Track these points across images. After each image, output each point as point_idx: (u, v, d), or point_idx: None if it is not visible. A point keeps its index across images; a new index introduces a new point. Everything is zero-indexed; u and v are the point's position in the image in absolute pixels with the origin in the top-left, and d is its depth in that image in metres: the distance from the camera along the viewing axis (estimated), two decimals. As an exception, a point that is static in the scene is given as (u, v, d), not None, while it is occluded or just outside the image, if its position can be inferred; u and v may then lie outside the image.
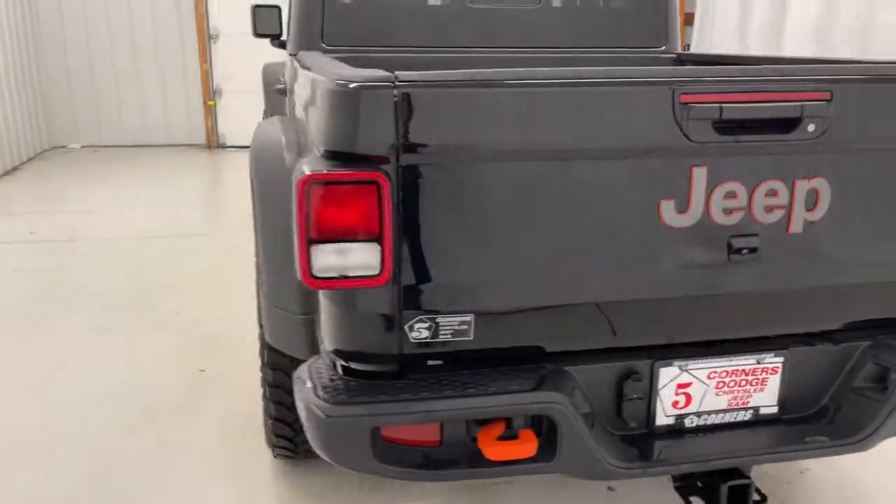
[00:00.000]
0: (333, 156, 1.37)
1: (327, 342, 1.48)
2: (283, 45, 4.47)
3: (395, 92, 1.31)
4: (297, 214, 1.35)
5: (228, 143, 8.71)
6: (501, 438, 1.43)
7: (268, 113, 4.72)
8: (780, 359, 1.59)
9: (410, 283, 1.40)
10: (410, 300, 1.41)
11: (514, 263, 1.43)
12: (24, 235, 5.01)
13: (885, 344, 1.61)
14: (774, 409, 1.62)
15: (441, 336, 1.44)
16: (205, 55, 8.43)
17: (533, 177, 1.39)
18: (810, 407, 1.64)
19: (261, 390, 2.16)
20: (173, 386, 2.92)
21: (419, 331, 1.43)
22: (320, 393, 1.41)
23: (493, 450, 1.41)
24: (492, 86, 1.37)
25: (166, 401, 2.81)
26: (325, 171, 1.34)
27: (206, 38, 8.38)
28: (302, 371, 1.51)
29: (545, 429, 1.44)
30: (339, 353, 1.47)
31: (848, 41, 5.02)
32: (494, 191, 1.39)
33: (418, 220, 1.37)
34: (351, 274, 1.37)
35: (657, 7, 3.10)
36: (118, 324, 3.54)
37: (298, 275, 1.38)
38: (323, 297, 1.46)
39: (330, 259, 1.36)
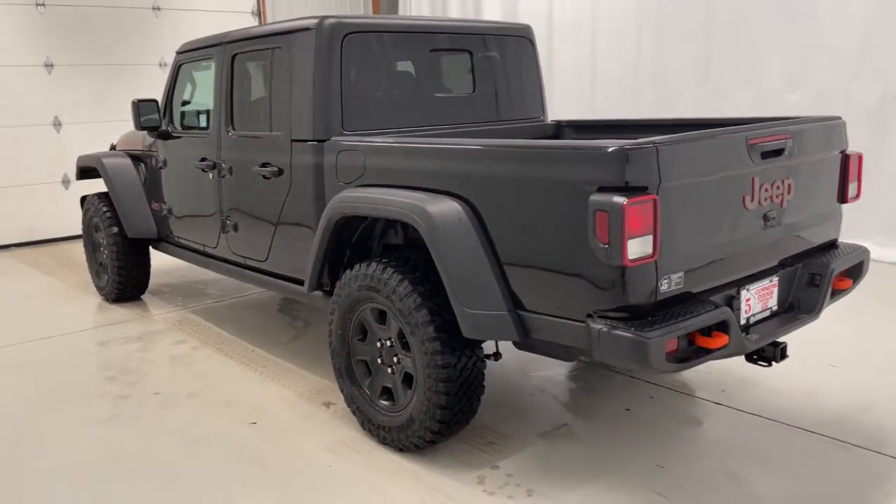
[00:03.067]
0: (623, 190, 2.32)
1: (616, 300, 2.39)
2: (163, 136, 4.77)
3: (656, 148, 2.35)
4: (615, 225, 2.27)
5: (-51, 251, 7.62)
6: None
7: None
8: (777, 278, 2.96)
9: (660, 258, 2.41)
10: (661, 268, 2.43)
11: (699, 241, 2.55)
12: None
13: (812, 262, 3.10)
14: (776, 307, 2.98)
15: (672, 287, 2.47)
16: None
17: (711, 190, 2.54)
18: (787, 303, 3.05)
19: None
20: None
21: (663, 285, 2.44)
22: (631, 330, 2.33)
23: (709, 341, 2.48)
24: (698, 139, 2.51)
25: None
26: (633, 198, 2.29)
27: None
28: (599, 323, 2.39)
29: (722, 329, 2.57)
30: (625, 307, 2.39)
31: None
32: (696, 200, 2.50)
33: (664, 220, 2.40)
34: (640, 256, 2.34)
35: (536, 89, 4.44)
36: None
37: (617, 261, 2.30)
38: (624, 274, 2.37)
39: (635, 248, 2.31)
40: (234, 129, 4.17)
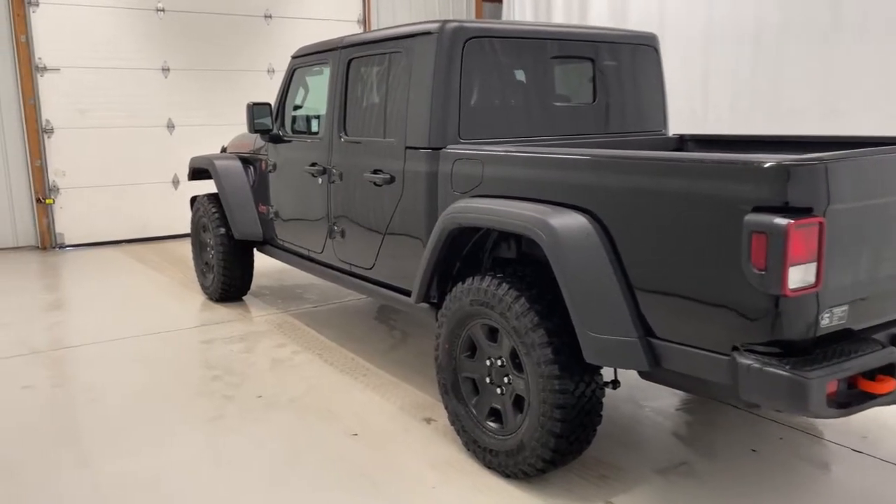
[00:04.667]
0: (783, 210, 2.08)
1: (769, 333, 2.14)
2: (275, 139, 4.79)
3: (825, 166, 2.10)
4: (776, 250, 2.04)
5: (68, 242, 8.01)
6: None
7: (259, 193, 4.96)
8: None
9: (823, 289, 2.15)
10: (822, 300, 2.16)
11: (864, 272, 2.27)
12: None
13: None
14: None
15: (833, 322, 2.20)
16: (37, 151, 7.75)
17: (880, 215, 2.26)
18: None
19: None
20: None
21: (824, 319, 2.18)
22: (787, 368, 2.08)
23: (874, 386, 2.20)
24: (871, 156, 2.25)
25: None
26: (799, 220, 2.05)
27: (38, 133, 7.73)
28: (748, 358, 2.15)
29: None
30: (779, 342, 2.15)
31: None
32: (863, 225, 2.22)
33: (829, 246, 2.14)
34: (802, 285, 2.09)
35: (659, 100, 4.20)
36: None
37: (774, 289, 2.06)
38: (781, 304, 2.12)
39: (797, 276, 2.07)
40: (346, 134, 4.14)
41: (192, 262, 6.08)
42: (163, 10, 8.23)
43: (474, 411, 3.16)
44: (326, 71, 4.40)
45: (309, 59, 4.62)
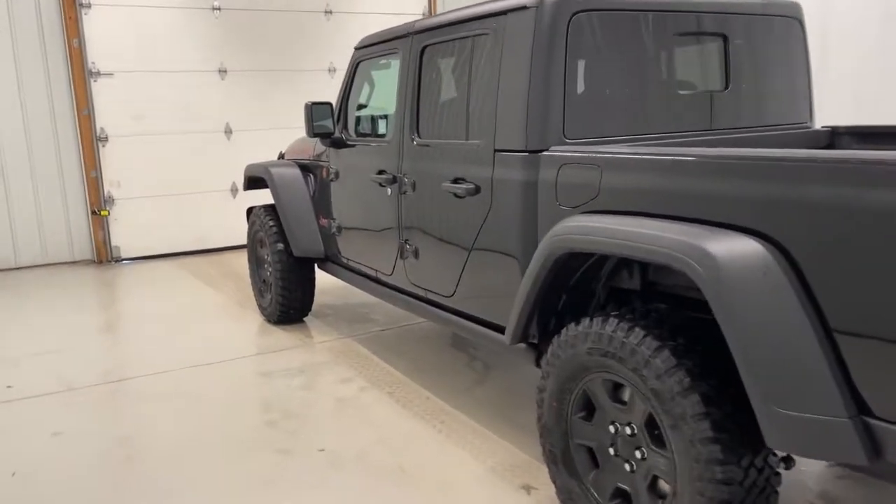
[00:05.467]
0: None
1: None
2: (336, 144, 4.17)
3: None
4: None
5: (124, 256, 7.64)
6: None
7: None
8: None
9: None
10: None
11: None
12: None
13: None
14: None
15: None
16: (92, 161, 7.40)
17: None
18: None
19: None
20: None
21: None
22: None
23: None
24: None
25: None
26: None
27: (92, 142, 7.38)
28: None
29: None
30: None
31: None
32: None
33: None
34: None
35: (804, 85, 3.40)
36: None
37: None
38: None
39: None
40: (419, 136, 3.49)
41: (249, 277, 5.56)
42: (219, 9, 7.78)
43: (593, 490, 2.45)
44: (395, 63, 3.76)
45: (374, 50, 4.00)
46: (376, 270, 4.02)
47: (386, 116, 4.05)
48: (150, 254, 7.72)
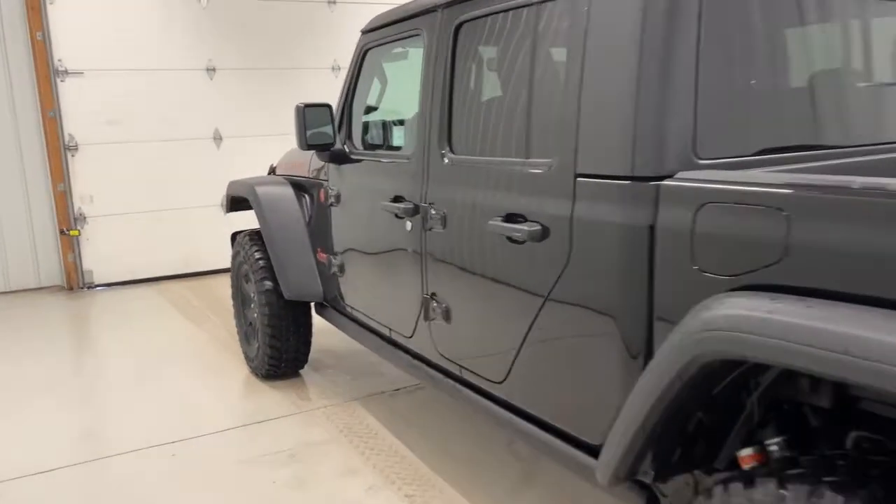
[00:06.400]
0: None
1: None
2: (338, 158, 3.18)
3: None
4: None
5: (97, 281, 6.65)
6: None
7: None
8: None
9: None
10: None
11: None
12: None
13: None
14: None
15: None
16: (60, 172, 6.41)
17: None
18: None
19: None
20: None
21: None
22: None
23: None
24: None
25: None
26: None
27: (60, 150, 6.39)
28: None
29: None
30: None
31: None
32: None
33: None
34: None
35: None
36: None
37: None
38: None
39: None
40: (451, 150, 2.49)
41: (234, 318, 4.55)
42: (206, -1, 6.80)
43: None
44: (417, 50, 2.76)
45: (388, 33, 2.98)
46: (390, 329, 3.01)
47: (403, 123, 3.05)
48: (127, 279, 6.71)
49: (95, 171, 6.52)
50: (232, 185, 4.32)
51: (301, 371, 4.24)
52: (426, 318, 2.67)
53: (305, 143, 3.18)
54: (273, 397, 3.93)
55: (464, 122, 2.46)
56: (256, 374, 4.20)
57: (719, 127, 1.75)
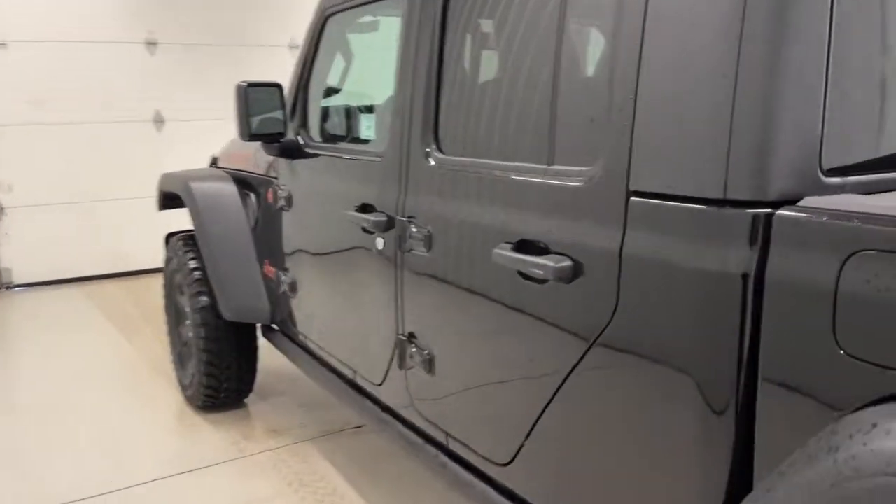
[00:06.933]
0: None
1: None
2: (289, 152, 2.55)
3: None
4: None
5: (17, 281, 5.87)
6: None
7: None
8: None
9: None
10: None
11: None
12: None
13: None
14: None
15: None
16: (-28, 156, 5.61)
17: None
18: None
19: None
20: None
21: None
22: None
23: None
24: None
25: None
26: None
27: (-28, 130, 5.58)
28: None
29: None
30: None
31: None
32: None
33: None
34: None
35: None
36: None
37: None
38: None
39: None
40: (439, 148, 1.88)
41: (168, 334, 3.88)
42: (147, -37, 6.03)
43: None
44: (392, 18, 2.14)
45: (356, -4, 2.35)
46: (354, 371, 2.39)
47: (373, 110, 2.43)
48: (50, 278, 5.93)
49: (15, 157, 5.74)
50: (164, 178, 3.64)
51: (246, 399, 3.60)
52: (401, 365, 2.06)
53: (248, 133, 2.53)
54: (209, 436, 3.28)
55: (457, 110, 1.85)
56: (192, 404, 3.54)
57: (855, 132, 1.18)
